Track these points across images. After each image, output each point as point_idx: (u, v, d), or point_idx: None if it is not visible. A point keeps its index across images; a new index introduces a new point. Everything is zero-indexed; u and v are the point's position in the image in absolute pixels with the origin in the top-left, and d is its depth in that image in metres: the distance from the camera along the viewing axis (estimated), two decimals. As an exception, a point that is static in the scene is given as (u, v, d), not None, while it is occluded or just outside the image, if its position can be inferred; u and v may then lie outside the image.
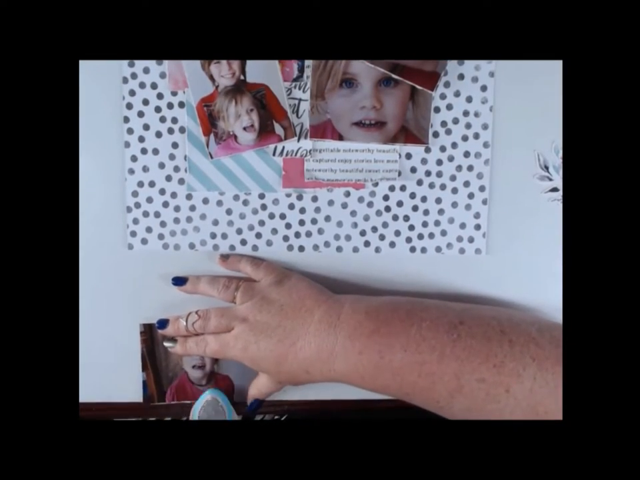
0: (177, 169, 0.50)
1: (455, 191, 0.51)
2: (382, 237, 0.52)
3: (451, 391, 0.43)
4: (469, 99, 0.50)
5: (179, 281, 0.51)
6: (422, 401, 0.45)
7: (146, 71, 0.49)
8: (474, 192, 0.51)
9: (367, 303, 0.47)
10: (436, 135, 0.50)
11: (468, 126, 0.50)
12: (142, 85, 0.49)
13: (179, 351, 0.51)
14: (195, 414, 0.51)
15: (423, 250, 0.52)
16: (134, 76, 0.49)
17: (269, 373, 0.48)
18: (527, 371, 0.41)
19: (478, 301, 0.52)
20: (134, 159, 0.50)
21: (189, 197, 0.51)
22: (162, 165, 0.50)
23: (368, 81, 0.48)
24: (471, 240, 0.52)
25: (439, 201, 0.51)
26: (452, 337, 0.43)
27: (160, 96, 0.49)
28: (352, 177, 0.50)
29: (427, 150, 0.50)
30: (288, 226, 0.51)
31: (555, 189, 0.51)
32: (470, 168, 0.51)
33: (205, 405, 0.51)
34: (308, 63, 0.48)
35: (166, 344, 0.51)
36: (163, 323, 0.51)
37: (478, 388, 0.42)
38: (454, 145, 0.50)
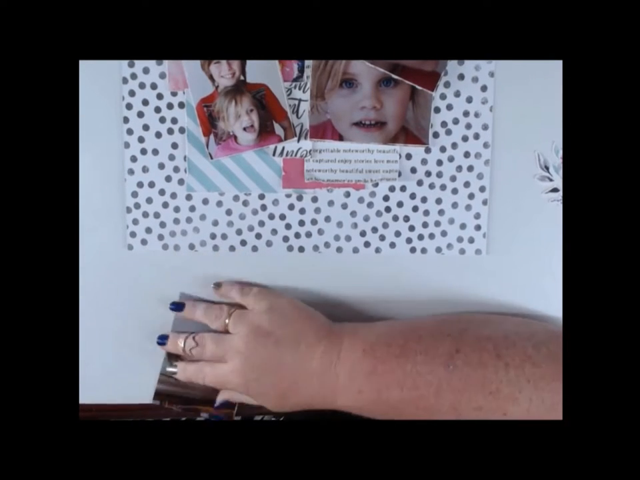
0: (176, 169, 0.50)
1: (455, 191, 0.51)
2: (382, 238, 0.52)
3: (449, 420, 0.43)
4: (469, 99, 0.50)
5: (177, 307, 0.51)
6: None
7: (146, 71, 0.49)
8: (474, 192, 0.51)
9: (363, 337, 0.47)
10: (436, 135, 0.50)
11: (468, 126, 0.50)
12: (142, 86, 0.49)
13: (180, 377, 0.51)
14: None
15: (423, 250, 0.52)
16: (134, 76, 0.49)
17: (269, 405, 0.48)
18: (523, 394, 0.42)
19: (478, 302, 0.52)
20: (133, 159, 0.50)
21: (188, 197, 0.51)
22: (162, 166, 0.50)
23: (368, 81, 0.48)
24: (471, 240, 0.52)
25: (439, 201, 0.51)
26: (448, 369, 0.44)
27: (160, 96, 0.49)
28: (352, 178, 0.50)
29: (427, 150, 0.50)
30: (288, 226, 0.51)
31: (555, 190, 0.51)
32: (470, 168, 0.51)
33: None
34: (308, 63, 0.48)
35: (168, 370, 0.51)
36: (163, 339, 0.51)
37: (476, 415, 0.43)
38: (454, 146, 0.50)
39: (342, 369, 0.46)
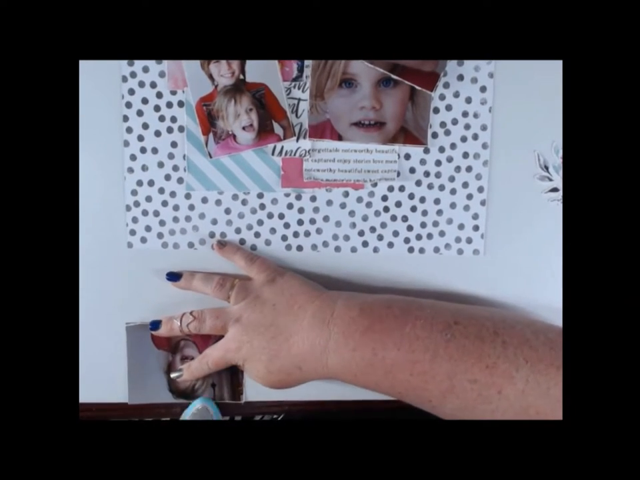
0: (175, 168, 0.50)
1: (453, 191, 0.51)
2: (380, 237, 0.52)
3: (443, 391, 0.43)
4: (468, 100, 0.50)
5: (173, 277, 0.51)
6: (414, 400, 0.45)
7: (145, 69, 0.49)
8: (472, 193, 0.51)
9: (361, 299, 0.47)
10: (435, 135, 0.50)
11: (467, 127, 0.50)
12: (141, 84, 0.49)
13: (187, 376, 0.51)
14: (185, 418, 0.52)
15: (421, 250, 0.52)
16: (133, 75, 0.49)
17: (259, 375, 0.48)
18: (519, 373, 0.41)
19: (476, 302, 0.52)
20: (133, 157, 0.50)
21: (187, 196, 0.51)
22: (161, 164, 0.50)
23: (367, 81, 0.48)
24: (469, 241, 0.52)
25: (437, 201, 0.51)
26: (445, 337, 0.43)
27: (159, 95, 0.49)
28: (351, 177, 0.50)
29: (426, 150, 0.50)
30: (286, 225, 0.51)
31: (555, 189, 0.51)
32: (469, 169, 0.51)
33: (195, 412, 0.52)
34: (307, 62, 0.48)
35: (173, 375, 0.52)
36: (156, 324, 0.51)
37: (470, 388, 0.42)
38: (453, 146, 0.50)
39: (335, 327, 0.45)
